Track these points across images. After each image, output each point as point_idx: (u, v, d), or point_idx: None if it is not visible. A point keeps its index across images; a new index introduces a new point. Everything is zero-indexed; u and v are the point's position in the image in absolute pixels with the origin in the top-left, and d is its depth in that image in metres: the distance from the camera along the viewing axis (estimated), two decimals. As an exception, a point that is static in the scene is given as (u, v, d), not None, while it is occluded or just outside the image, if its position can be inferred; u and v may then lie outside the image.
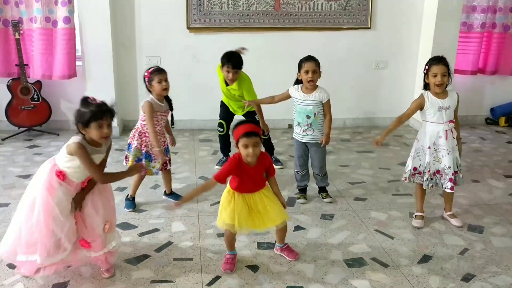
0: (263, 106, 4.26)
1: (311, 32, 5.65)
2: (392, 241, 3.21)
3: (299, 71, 3.59)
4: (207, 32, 5.52)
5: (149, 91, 3.47)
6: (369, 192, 4.02)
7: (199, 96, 5.68)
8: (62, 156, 2.55)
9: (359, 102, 5.91)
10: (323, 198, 3.83)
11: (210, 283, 2.71)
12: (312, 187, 3.95)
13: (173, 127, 3.71)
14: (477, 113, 6.27)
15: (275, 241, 3.03)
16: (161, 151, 3.41)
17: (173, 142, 3.76)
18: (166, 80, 3.43)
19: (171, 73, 5.50)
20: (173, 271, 2.82)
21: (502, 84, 6.24)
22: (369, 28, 5.73)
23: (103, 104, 2.51)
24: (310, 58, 3.55)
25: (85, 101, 2.50)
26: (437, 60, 3.21)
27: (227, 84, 4.21)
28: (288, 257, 2.94)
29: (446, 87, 3.24)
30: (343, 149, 5.12)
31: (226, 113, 4.43)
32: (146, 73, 3.45)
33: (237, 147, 2.67)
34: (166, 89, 3.43)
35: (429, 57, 5.57)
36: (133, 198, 3.67)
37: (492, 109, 6.23)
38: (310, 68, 3.50)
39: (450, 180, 3.23)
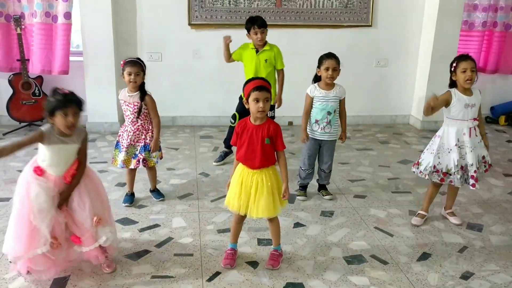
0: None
1: (312, 30, 5.65)
2: (391, 238, 3.23)
3: (318, 67, 3.60)
4: (209, 29, 5.52)
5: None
6: (369, 189, 4.04)
7: (200, 93, 5.69)
8: (39, 151, 2.62)
9: (359, 99, 5.92)
10: (323, 196, 3.84)
11: (210, 279, 2.72)
12: (311, 184, 3.97)
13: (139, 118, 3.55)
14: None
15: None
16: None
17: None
18: (137, 74, 3.34)
19: (172, 69, 5.59)
20: (173, 267, 2.83)
21: (502, 83, 6.25)
22: (370, 26, 5.73)
23: (70, 93, 2.56)
24: (331, 55, 3.56)
25: (54, 91, 2.57)
26: (465, 57, 3.20)
27: (257, 51, 4.22)
28: (267, 262, 2.86)
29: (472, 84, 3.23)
30: (343, 146, 5.13)
31: (243, 106, 4.44)
32: (122, 62, 3.43)
33: (247, 102, 2.66)
34: (132, 82, 3.35)
35: (430, 55, 5.66)
36: (132, 194, 3.68)
37: (492, 108, 6.24)
38: (330, 66, 3.52)
39: (472, 177, 3.21)
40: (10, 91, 5.23)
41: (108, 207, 2.83)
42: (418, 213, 3.47)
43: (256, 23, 4.14)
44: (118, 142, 3.54)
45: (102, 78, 5.35)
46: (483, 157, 3.29)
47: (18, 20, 5.12)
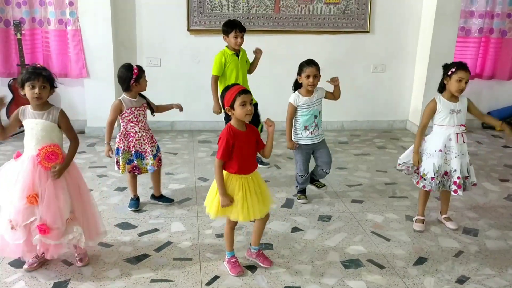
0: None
1: (310, 35, 5.70)
2: (388, 243, 3.26)
3: (299, 74, 3.63)
4: (208, 34, 5.56)
5: (128, 87, 3.42)
6: (366, 194, 4.07)
7: (198, 98, 5.72)
8: None
9: (357, 105, 5.96)
10: (318, 187, 3.99)
11: (209, 283, 2.75)
12: (308, 188, 4.00)
13: (154, 115, 3.67)
14: (474, 117, 6.30)
15: (250, 244, 2.98)
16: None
17: (179, 106, 3.71)
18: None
19: (170, 74, 5.63)
20: (172, 271, 2.85)
21: (499, 89, 6.30)
22: (368, 32, 5.78)
23: (41, 67, 2.72)
24: (311, 63, 3.59)
25: (30, 67, 2.75)
26: (465, 66, 3.25)
27: (237, 55, 4.29)
28: (263, 263, 2.89)
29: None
30: (340, 151, 5.16)
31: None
32: (135, 70, 3.39)
33: (231, 111, 2.63)
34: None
35: (427, 61, 5.70)
36: (137, 198, 3.71)
37: (488, 114, 6.28)
38: (311, 73, 3.56)
39: (455, 183, 3.26)
40: (10, 96, 5.26)
41: (87, 204, 2.87)
42: (417, 219, 3.50)
43: (237, 27, 4.21)
44: (137, 151, 3.51)
45: (102, 83, 5.38)
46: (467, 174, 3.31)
47: (18, 25, 5.15)
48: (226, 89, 2.70)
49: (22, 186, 2.64)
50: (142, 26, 5.52)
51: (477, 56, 6.02)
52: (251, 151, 2.74)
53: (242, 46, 4.34)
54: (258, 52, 4.43)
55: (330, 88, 3.75)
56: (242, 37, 4.24)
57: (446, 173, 3.29)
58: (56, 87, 2.76)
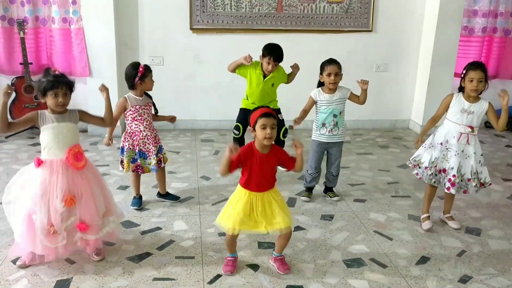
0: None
1: (313, 34, 5.69)
2: (390, 242, 3.26)
3: (321, 73, 3.66)
4: (210, 33, 5.56)
5: (133, 85, 3.45)
6: (368, 193, 4.06)
7: (200, 97, 5.73)
8: (41, 141, 2.79)
9: (359, 104, 5.94)
10: (330, 197, 3.90)
11: (211, 282, 2.75)
12: (314, 188, 4.00)
13: (157, 115, 3.67)
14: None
15: (273, 250, 2.98)
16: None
17: (172, 118, 3.74)
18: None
19: (173, 73, 5.63)
20: (174, 269, 2.86)
21: (502, 88, 6.25)
22: (371, 31, 5.77)
23: (60, 75, 2.74)
24: (332, 61, 3.63)
25: (46, 72, 2.76)
26: (475, 66, 3.22)
27: (264, 76, 4.25)
28: (279, 269, 2.88)
29: (481, 93, 3.26)
30: (343, 150, 5.12)
31: (245, 117, 4.46)
32: (140, 69, 3.41)
33: (254, 130, 2.66)
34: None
35: (430, 60, 5.70)
36: (140, 197, 3.72)
37: (492, 113, 6.26)
38: (332, 71, 3.59)
39: (449, 180, 3.27)
40: (12, 94, 5.26)
41: (111, 196, 3.01)
42: (423, 217, 3.49)
43: (273, 56, 4.14)
44: (141, 150, 3.52)
45: (104, 82, 5.34)
46: (477, 173, 3.29)
47: (22, 24, 5.16)
48: (253, 110, 2.73)
49: (59, 191, 2.67)
50: (145, 25, 5.52)
51: (481, 56, 6.01)
52: (266, 173, 2.70)
53: (281, 67, 4.32)
54: (295, 68, 4.40)
55: (358, 90, 3.74)
56: (274, 66, 4.19)
57: (444, 170, 3.30)
58: (73, 91, 2.81)
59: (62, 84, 2.69)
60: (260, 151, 2.68)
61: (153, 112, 3.60)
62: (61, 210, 2.68)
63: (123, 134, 3.54)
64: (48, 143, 2.73)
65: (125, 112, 3.47)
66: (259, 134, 2.63)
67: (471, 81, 3.19)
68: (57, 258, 2.80)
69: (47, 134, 2.73)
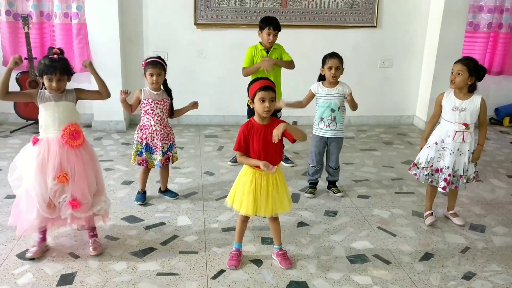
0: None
1: (318, 30, 5.67)
2: (394, 238, 3.25)
3: (322, 66, 3.67)
4: (214, 29, 5.55)
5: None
6: (372, 189, 4.06)
7: (204, 92, 5.72)
8: (39, 119, 2.84)
9: (363, 100, 5.88)
10: (334, 193, 3.89)
11: (214, 277, 2.75)
12: (318, 185, 4.00)
13: (172, 117, 3.66)
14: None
15: (274, 244, 2.99)
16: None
17: (194, 104, 3.71)
18: (158, 74, 3.41)
19: (177, 68, 5.63)
20: (178, 264, 2.87)
21: (507, 84, 6.24)
22: (375, 26, 5.75)
23: (57, 59, 2.76)
24: (334, 55, 3.63)
25: (49, 51, 2.83)
26: (460, 59, 3.25)
27: (267, 51, 4.24)
28: (281, 264, 2.88)
29: (472, 90, 3.22)
30: (347, 146, 5.15)
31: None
32: (143, 62, 3.46)
33: (252, 102, 2.68)
34: (154, 83, 3.43)
35: (435, 56, 5.68)
36: (144, 192, 3.72)
37: (496, 109, 6.24)
38: (333, 65, 3.59)
39: (445, 180, 3.26)
40: (17, 89, 5.27)
41: (102, 178, 3.03)
42: (426, 214, 3.49)
43: (271, 25, 4.16)
44: (148, 145, 3.51)
45: (108, 77, 5.27)
46: (468, 170, 3.29)
47: (26, 18, 5.16)
48: (252, 82, 2.74)
49: (51, 168, 2.73)
50: (149, 20, 5.51)
51: (486, 52, 5.97)
52: (269, 145, 2.69)
53: (279, 42, 4.29)
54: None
55: (358, 90, 3.74)
56: (275, 35, 4.18)
57: (441, 169, 3.30)
58: (74, 73, 2.88)
59: (56, 70, 2.72)
60: (260, 123, 2.71)
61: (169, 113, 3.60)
62: (55, 188, 2.74)
63: (137, 127, 3.57)
64: (45, 121, 2.78)
65: (140, 104, 3.50)
66: (257, 107, 2.66)
67: (452, 73, 3.20)
68: (43, 228, 2.91)
69: (44, 112, 2.78)
